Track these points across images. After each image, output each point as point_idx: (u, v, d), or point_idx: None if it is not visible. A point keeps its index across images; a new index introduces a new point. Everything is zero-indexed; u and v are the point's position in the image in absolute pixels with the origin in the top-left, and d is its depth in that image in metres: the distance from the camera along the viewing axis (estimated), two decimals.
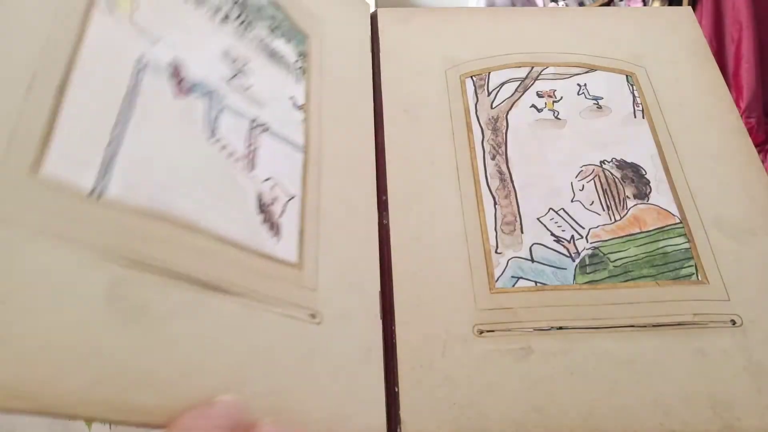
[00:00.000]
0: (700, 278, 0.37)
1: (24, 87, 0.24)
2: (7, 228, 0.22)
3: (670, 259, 0.37)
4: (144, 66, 0.29)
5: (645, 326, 0.35)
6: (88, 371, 0.22)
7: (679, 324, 0.35)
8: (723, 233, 0.38)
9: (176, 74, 0.31)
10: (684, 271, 0.37)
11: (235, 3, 0.36)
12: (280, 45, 0.38)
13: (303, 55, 0.39)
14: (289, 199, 0.33)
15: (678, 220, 0.39)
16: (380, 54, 0.45)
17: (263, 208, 0.32)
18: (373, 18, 0.48)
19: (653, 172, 0.40)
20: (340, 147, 0.39)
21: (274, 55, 0.37)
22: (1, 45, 0.24)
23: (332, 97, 0.40)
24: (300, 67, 0.39)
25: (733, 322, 0.35)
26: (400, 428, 0.32)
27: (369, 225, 0.37)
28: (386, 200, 0.39)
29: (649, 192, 0.40)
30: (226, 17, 0.35)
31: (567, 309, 0.35)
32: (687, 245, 0.38)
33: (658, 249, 0.37)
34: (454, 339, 0.34)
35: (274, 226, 0.32)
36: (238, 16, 0.36)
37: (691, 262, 0.37)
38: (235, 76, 0.34)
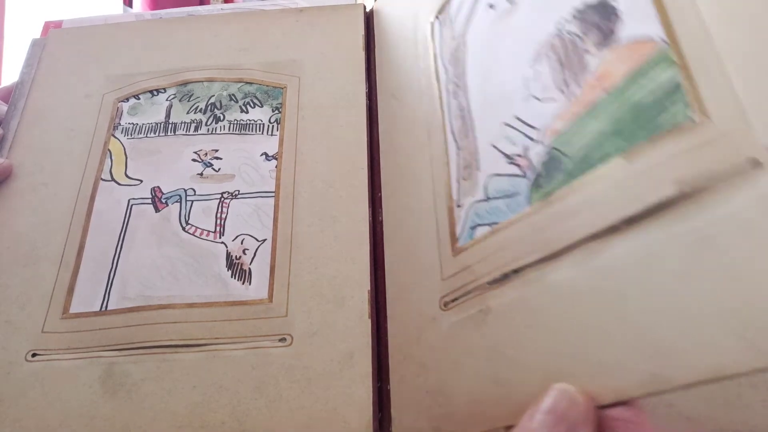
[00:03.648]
0: (696, 118, 0.22)
1: (59, 258, 0.37)
2: (47, 356, 0.34)
3: (642, 110, 0.24)
4: (132, 204, 0.39)
5: (616, 228, 0.24)
6: None
7: (666, 204, 0.22)
8: (734, 25, 0.22)
9: (157, 194, 0.40)
10: (665, 118, 0.23)
11: (206, 109, 0.43)
12: (254, 114, 0.43)
13: (278, 107, 0.43)
14: (261, 244, 0.37)
15: (661, 40, 0.24)
16: (376, 50, 0.45)
17: (232, 263, 0.36)
18: (371, 15, 0.48)
19: None
20: (328, 161, 0.40)
21: (245, 128, 0.42)
22: (44, 230, 0.38)
23: (316, 115, 0.42)
24: (276, 120, 0.42)
25: None
26: (393, 426, 0.31)
27: (359, 230, 0.37)
28: (380, 196, 0.38)
29: (618, 24, 0.26)
30: (197, 127, 0.42)
31: (519, 245, 0.27)
32: (672, 72, 0.24)
33: (627, 104, 0.25)
34: (425, 321, 0.31)
35: (243, 275, 0.36)
36: (210, 118, 0.43)
37: (679, 97, 0.23)
38: (203, 170, 0.40)
